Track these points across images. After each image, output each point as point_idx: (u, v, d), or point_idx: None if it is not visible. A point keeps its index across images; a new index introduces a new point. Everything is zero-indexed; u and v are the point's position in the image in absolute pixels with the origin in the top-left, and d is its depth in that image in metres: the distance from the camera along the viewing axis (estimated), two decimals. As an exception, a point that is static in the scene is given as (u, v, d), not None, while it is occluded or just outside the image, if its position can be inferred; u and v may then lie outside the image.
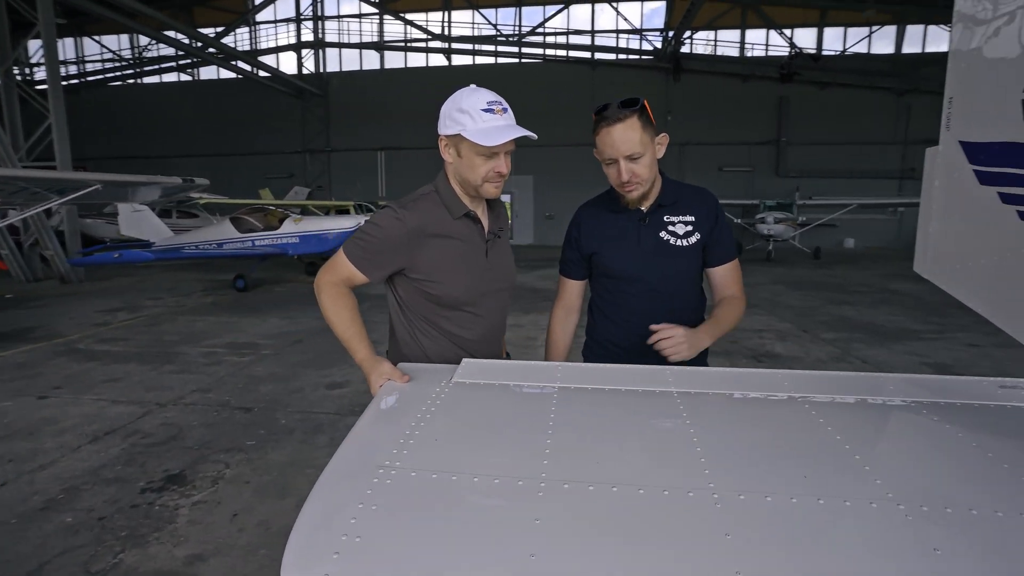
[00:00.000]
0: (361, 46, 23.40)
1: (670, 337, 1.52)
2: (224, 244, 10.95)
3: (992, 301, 1.32)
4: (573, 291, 1.90)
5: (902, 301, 9.68)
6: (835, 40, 21.62)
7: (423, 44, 22.91)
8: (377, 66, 24.01)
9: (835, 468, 0.90)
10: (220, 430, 4.05)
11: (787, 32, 20.99)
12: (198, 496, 3.11)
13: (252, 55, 22.35)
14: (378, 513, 0.78)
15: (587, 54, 22.29)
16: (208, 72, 24.38)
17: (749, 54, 22.06)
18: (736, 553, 0.69)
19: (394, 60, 23.86)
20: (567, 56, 22.38)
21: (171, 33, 19.02)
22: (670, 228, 1.69)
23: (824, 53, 21.33)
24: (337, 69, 24.02)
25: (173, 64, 24.09)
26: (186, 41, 19.73)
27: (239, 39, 23.41)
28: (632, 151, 1.54)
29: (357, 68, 24.03)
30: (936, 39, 21.43)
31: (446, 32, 22.67)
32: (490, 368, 1.36)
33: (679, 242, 1.69)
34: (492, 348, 1.68)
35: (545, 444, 0.97)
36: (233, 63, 20.82)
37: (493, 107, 1.39)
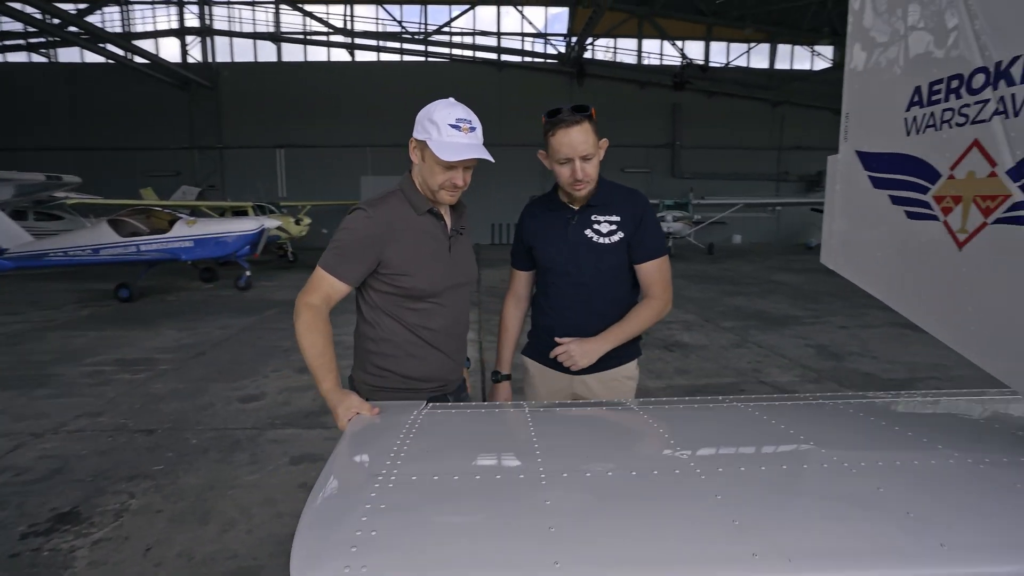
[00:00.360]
0: (255, 36, 21.87)
1: (564, 351, 1.74)
2: (102, 250, 9.76)
3: (888, 287, 1.53)
4: (521, 281, 2.05)
5: (784, 291, 10.79)
6: (720, 54, 23.66)
7: (324, 37, 21.91)
8: (274, 58, 22.63)
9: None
10: (118, 457, 3.64)
11: (679, 44, 22.62)
12: (99, 534, 2.77)
13: (126, 38, 20.06)
14: (388, 511, 0.79)
15: (494, 55, 22.54)
16: (70, 55, 21.58)
17: (646, 62, 23.49)
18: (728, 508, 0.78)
19: (293, 53, 22.62)
20: (473, 56, 22.49)
21: (18, 4, 16.33)
22: (595, 226, 1.82)
23: (711, 65, 23.25)
24: (228, 59, 22.30)
25: (22, 42, 20.91)
26: (38, 16, 17.03)
27: (107, 19, 20.92)
28: (587, 152, 1.69)
29: (252, 60, 22.47)
30: (801, 58, 24.12)
31: (349, 26, 21.85)
32: (457, 406, 1.42)
33: (602, 240, 1.81)
34: (455, 342, 1.74)
35: (534, 447, 1.00)
36: (102, 46, 18.52)
37: (460, 125, 1.48)
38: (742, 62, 23.59)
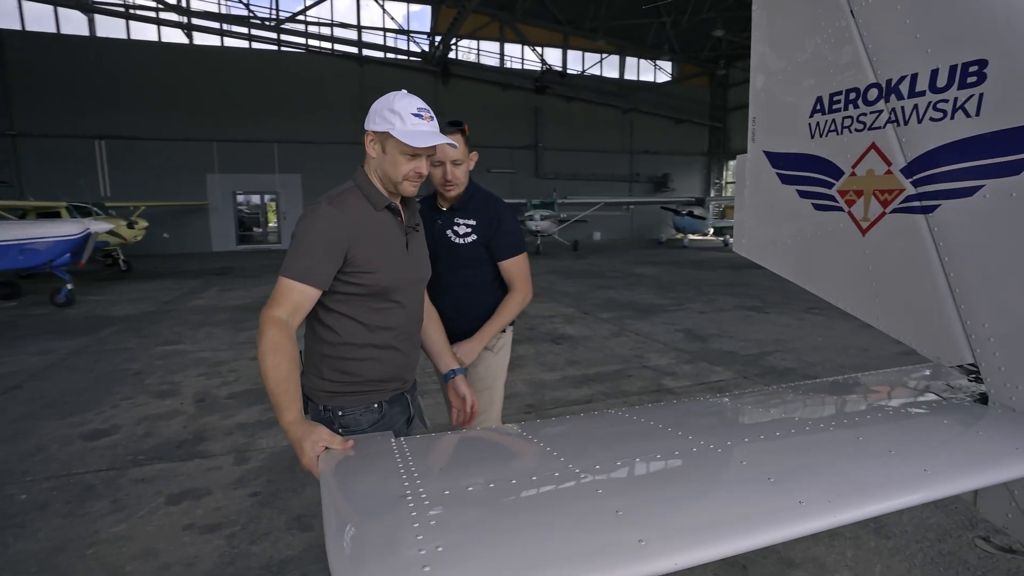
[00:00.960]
0: (55, 2, 18.26)
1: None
2: None
3: (799, 270, 1.75)
4: None
5: (647, 283, 11.84)
6: (576, 61, 25.22)
7: (152, 14, 19.16)
8: (85, 32, 19.27)
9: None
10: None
11: (539, 50, 23.64)
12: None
13: None
14: (442, 525, 0.74)
15: (354, 48, 21.57)
16: None
17: (508, 65, 24.19)
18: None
19: (111, 27, 19.46)
20: (332, 49, 21.32)
21: None
22: (455, 228, 2.13)
23: (569, 71, 24.66)
24: (18, 27, 18.47)
25: None
26: None
27: None
28: (456, 157, 2.00)
29: (53, 31, 18.87)
30: (646, 71, 26.64)
31: (183, 3, 19.39)
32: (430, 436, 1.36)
33: (459, 240, 2.13)
34: (412, 340, 1.69)
35: (547, 449, 0.98)
36: None
37: (422, 114, 1.47)
38: (596, 71, 25.40)
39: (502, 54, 24.01)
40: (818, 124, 1.63)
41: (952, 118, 1.25)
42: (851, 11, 1.48)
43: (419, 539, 0.69)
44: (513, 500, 0.82)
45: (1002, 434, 1.06)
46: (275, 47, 20.90)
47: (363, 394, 1.57)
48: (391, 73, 21.67)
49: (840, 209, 1.57)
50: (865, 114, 1.47)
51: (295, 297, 1.38)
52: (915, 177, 1.34)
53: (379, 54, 22.09)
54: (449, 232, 2.13)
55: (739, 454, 1.03)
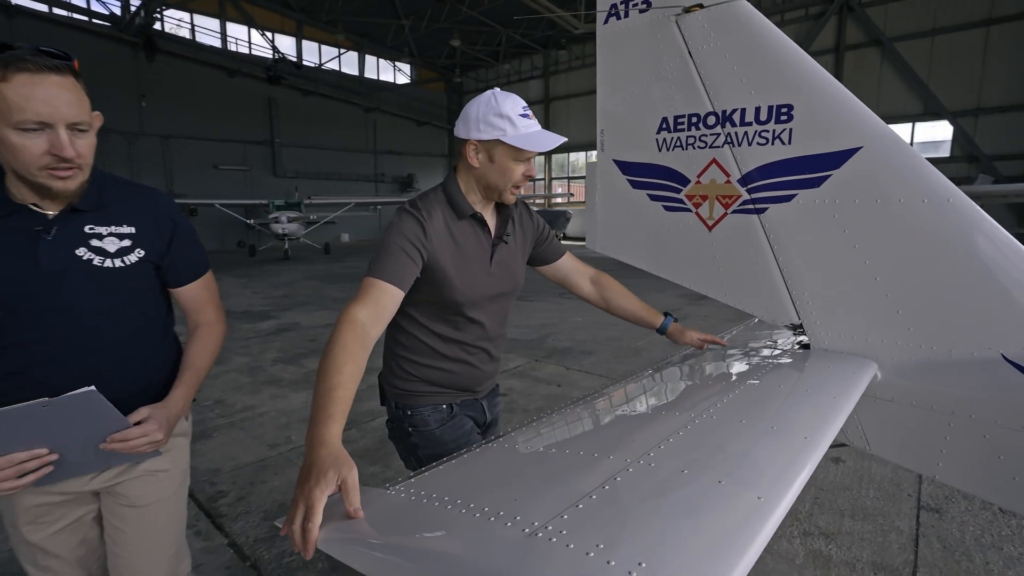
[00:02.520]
0: None
1: (143, 435, 1.23)
2: None
3: (653, 261, 2.10)
4: None
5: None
6: (312, 53, 23.68)
7: None
8: None
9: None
10: None
11: (269, 35, 21.45)
12: None
13: None
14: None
15: (-3, -4, 16.16)
16: None
17: (233, 48, 21.32)
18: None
19: None
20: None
21: None
22: (93, 243, 1.25)
23: (305, 63, 23.05)
24: None
25: None
26: None
27: None
28: (79, 119, 1.14)
29: None
30: (387, 71, 26.70)
31: None
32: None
33: (109, 262, 1.26)
34: (487, 355, 1.64)
35: (447, 508, 0.87)
36: None
37: (528, 113, 1.42)
38: (334, 65, 24.33)
39: (224, 34, 21.03)
40: (665, 140, 1.98)
41: (772, 144, 1.69)
42: (689, 53, 1.85)
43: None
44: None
45: (828, 369, 1.51)
46: None
47: (432, 395, 1.57)
48: (63, 35, 16.93)
49: (689, 210, 1.95)
50: (706, 135, 1.86)
51: (376, 295, 1.28)
52: (749, 186, 1.76)
53: (41, 6, 17.01)
54: (83, 250, 1.23)
55: (668, 463, 0.92)
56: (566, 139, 1.60)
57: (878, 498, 3.01)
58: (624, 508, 0.78)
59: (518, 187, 1.50)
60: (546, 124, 25.51)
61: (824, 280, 1.64)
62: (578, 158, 25.44)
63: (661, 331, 1.87)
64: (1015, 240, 1.40)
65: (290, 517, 0.83)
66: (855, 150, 1.53)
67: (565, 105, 25.15)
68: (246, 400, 4.59)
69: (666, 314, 1.89)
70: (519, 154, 1.43)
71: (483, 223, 1.53)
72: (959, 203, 1.42)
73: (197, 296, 1.48)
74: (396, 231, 1.38)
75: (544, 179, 26.40)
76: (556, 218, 20.88)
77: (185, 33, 20.15)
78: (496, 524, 0.76)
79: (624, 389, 1.60)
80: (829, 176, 1.58)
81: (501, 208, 1.59)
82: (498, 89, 1.47)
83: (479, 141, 1.42)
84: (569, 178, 25.84)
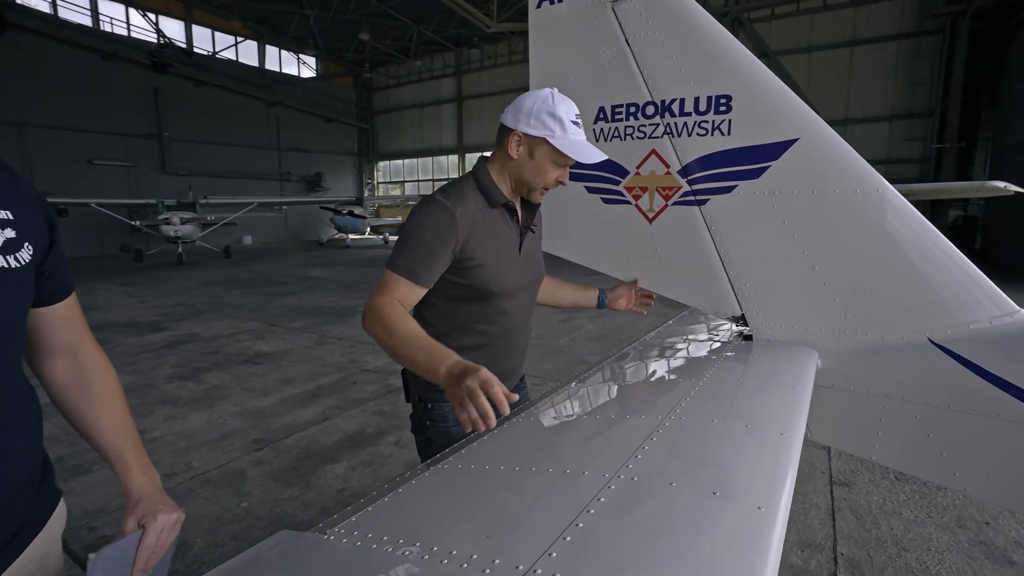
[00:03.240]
0: None
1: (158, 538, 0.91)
2: None
3: (591, 255, 2.04)
4: None
5: (327, 285, 11.39)
6: (204, 40, 21.76)
7: None
8: None
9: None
10: None
11: (152, 16, 19.46)
12: None
13: None
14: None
15: None
16: None
17: (108, 28, 19.10)
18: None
19: None
20: None
21: None
22: None
23: (197, 50, 21.15)
24: None
25: None
26: None
27: None
28: None
29: None
30: (290, 63, 25.15)
31: None
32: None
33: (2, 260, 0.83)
34: (512, 348, 1.58)
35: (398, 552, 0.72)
36: None
37: (579, 120, 1.40)
38: (231, 55, 22.55)
39: (96, 11, 18.78)
40: (602, 130, 1.92)
41: (712, 135, 1.67)
42: (627, 41, 1.80)
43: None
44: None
45: (777, 360, 1.51)
46: None
47: None
48: None
49: (628, 203, 1.91)
50: (645, 125, 1.81)
51: (400, 290, 1.30)
52: (689, 178, 1.74)
53: None
54: None
55: (651, 476, 0.82)
56: (607, 157, 1.53)
57: (796, 478, 3.18)
58: (621, 536, 0.67)
59: (547, 189, 1.49)
60: (459, 123, 25.49)
61: (765, 271, 1.64)
62: (493, 158, 25.42)
63: (600, 306, 1.93)
64: (936, 230, 1.47)
65: (463, 410, 0.97)
66: (792, 141, 1.55)
67: (478, 104, 25.09)
68: (135, 424, 4.03)
69: (599, 290, 1.93)
70: (560, 158, 1.42)
71: (513, 211, 1.51)
72: (887, 194, 1.47)
73: (72, 318, 1.00)
74: (423, 225, 1.34)
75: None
76: None
77: (45, 7, 17.76)
78: (473, 572, 0.62)
79: (573, 393, 1.51)
80: (768, 167, 1.59)
81: (527, 201, 1.57)
82: (556, 90, 1.43)
83: (524, 134, 1.40)
84: (485, 178, 25.78)
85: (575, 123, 1.40)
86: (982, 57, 15.59)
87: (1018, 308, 1.40)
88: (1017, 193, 7.18)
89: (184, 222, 15.37)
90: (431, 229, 1.33)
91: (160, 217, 15.22)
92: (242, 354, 6.05)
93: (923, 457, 1.43)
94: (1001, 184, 6.96)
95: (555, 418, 1.30)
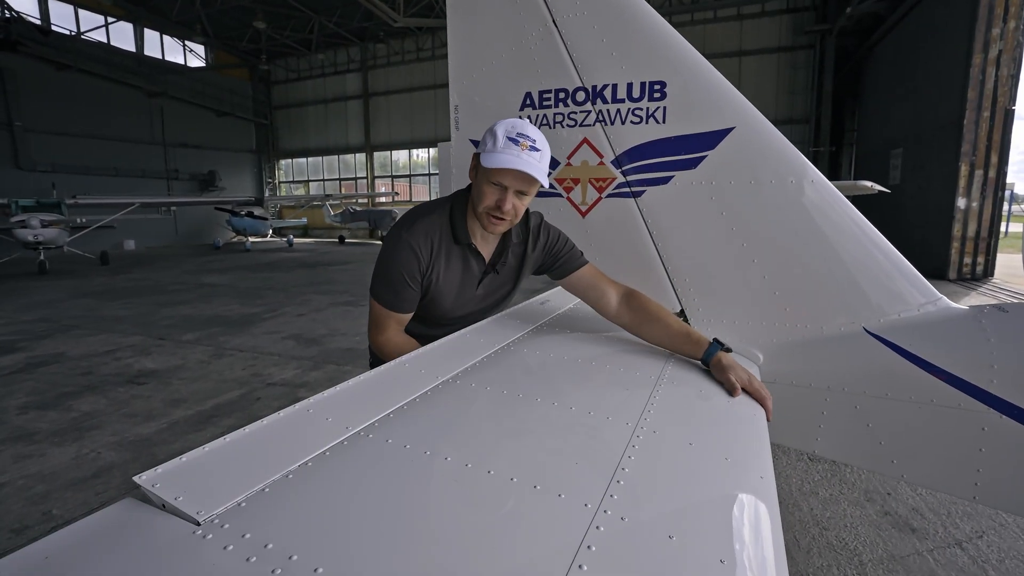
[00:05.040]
0: None
1: None
2: None
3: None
4: None
5: (224, 292, 10.41)
6: (66, 19, 19.15)
7: None
8: None
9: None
10: None
11: (-5, -12, 16.85)
12: None
13: None
14: None
15: None
16: None
17: (-63, 0, 16.29)
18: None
19: None
20: None
21: None
22: None
23: (56, 28, 18.60)
24: None
25: None
26: None
27: None
28: None
29: None
30: (174, 51, 22.85)
31: None
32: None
33: None
34: None
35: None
36: None
37: (520, 140, 1.32)
38: (101, 37, 20.07)
39: (-79, -21, 15.94)
40: (529, 117, 1.78)
41: (647, 123, 1.59)
42: (553, 21, 1.67)
43: None
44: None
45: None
46: None
47: None
48: None
49: (559, 195, 1.78)
50: (576, 112, 1.70)
51: (392, 325, 1.51)
52: (624, 168, 1.64)
53: None
54: None
55: (642, 524, 0.70)
56: (535, 174, 1.32)
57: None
58: None
59: (495, 217, 1.39)
60: (366, 121, 24.50)
61: (705, 265, 1.58)
62: (399, 157, 24.73)
63: (704, 361, 1.38)
64: (866, 219, 1.47)
65: None
66: (728, 130, 1.49)
67: (385, 101, 24.28)
68: (-26, 468, 3.34)
69: (713, 341, 1.39)
70: (490, 175, 1.34)
71: (476, 253, 1.53)
72: (820, 184, 1.46)
73: None
74: (392, 261, 1.44)
75: (367, 178, 25.22)
76: (382, 218, 20.07)
77: None
78: None
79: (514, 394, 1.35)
80: (705, 157, 1.53)
81: (504, 236, 1.54)
82: (526, 119, 1.47)
83: (476, 153, 1.41)
84: (392, 177, 24.99)
85: (512, 140, 1.31)
86: (847, 71, 17.45)
87: (940, 295, 1.44)
88: (880, 192, 8.05)
89: (46, 225, 13.43)
90: (399, 264, 1.44)
91: (14, 219, 13.18)
92: (122, 374, 5.30)
93: (863, 447, 1.43)
94: (868, 183, 7.77)
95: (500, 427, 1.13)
